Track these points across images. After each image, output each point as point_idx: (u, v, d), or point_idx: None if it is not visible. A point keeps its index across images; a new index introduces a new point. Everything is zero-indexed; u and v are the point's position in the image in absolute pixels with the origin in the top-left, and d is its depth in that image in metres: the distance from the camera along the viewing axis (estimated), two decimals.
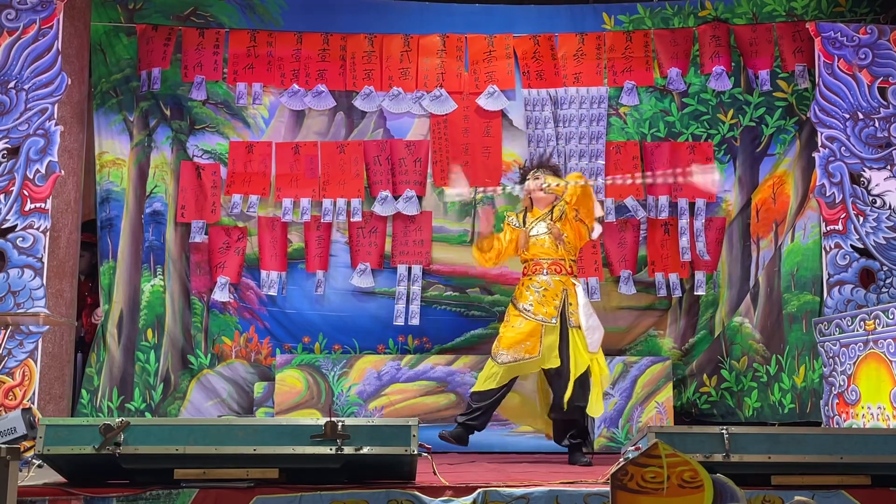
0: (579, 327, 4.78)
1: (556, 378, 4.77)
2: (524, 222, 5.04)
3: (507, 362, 4.76)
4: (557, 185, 4.92)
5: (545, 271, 4.88)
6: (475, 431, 4.93)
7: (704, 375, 6.08)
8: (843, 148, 5.65)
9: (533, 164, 5.30)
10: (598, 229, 5.11)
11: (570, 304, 4.83)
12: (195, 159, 6.16)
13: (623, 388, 5.81)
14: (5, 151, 5.21)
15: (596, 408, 4.84)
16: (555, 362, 4.72)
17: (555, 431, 4.93)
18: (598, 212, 5.11)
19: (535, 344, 4.73)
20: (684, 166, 6.18)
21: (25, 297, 5.07)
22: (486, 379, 4.83)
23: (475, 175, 6.19)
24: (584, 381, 4.76)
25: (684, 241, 6.14)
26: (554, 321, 4.77)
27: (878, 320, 4.95)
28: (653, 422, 5.76)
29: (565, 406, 4.71)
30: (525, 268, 5.01)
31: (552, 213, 4.98)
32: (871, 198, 5.60)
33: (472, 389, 4.95)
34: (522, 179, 5.20)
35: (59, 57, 5.32)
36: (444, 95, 6.24)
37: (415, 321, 6.08)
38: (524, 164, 5.62)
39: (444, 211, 6.25)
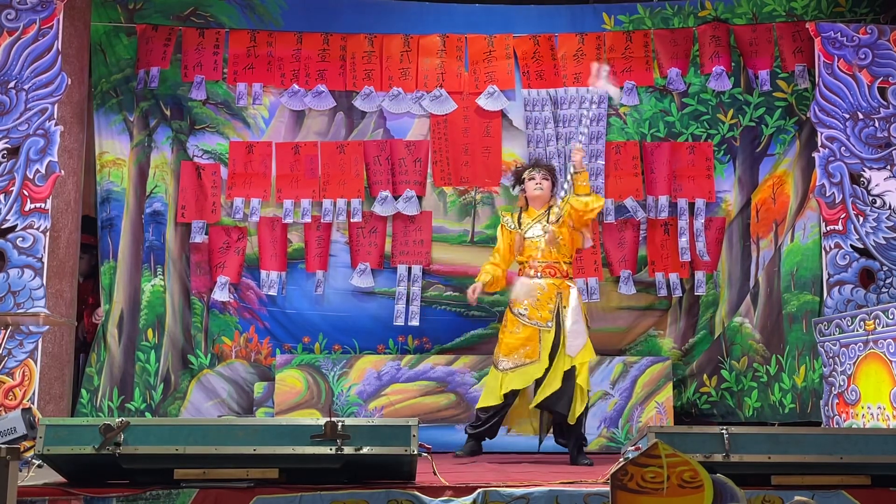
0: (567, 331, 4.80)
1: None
2: (519, 223, 5.03)
3: (507, 369, 4.78)
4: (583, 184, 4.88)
5: (539, 274, 4.88)
6: (486, 439, 4.97)
7: (704, 375, 6.08)
8: (843, 148, 5.65)
9: (526, 165, 5.30)
10: (589, 241, 5.13)
11: (565, 308, 4.83)
12: (195, 159, 6.16)
13: (623, 388, 5.81)
14: (5, 151, 5.21)
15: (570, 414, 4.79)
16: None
17: (544, 425, 4.97)
18: (588, 240, 5.10)
19: (534, 348, 4.75)
20: (684, 166, 6.19)
21: (25, 297, 5.07)
22: (489, 394, 4.86)
23: (475, 175, 6.19)
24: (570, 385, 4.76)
25: (684, 241, 6.14)
26: (550, 325, 4.78)
27: (878, 320, 4.95)
28: (653, 422, 5.76)
29: (567, 414, 4.74)
30: (520, 269, 5.02)
31: (548, 213, 4.97)
32: (870, 198, 5.60)
33: (478, 406, 4.98)
34: (517, 181, 5.20)
35: (59, 57, 5.32)
36: (444, 95, 6.24)
37: (415, 321, 6.08)
38: (517, 166, 5.59)
39: (444, 211, 6.25)
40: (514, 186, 5.26)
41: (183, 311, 6.10)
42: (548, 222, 4.93)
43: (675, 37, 6.29)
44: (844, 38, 5.72)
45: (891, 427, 4.73)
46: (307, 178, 6.15)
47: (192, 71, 6.15)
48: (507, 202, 6.21)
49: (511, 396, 4.85)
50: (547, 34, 6.30)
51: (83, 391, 5.82)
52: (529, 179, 5.04)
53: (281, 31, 6.26)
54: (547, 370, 4.75)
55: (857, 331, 5.13)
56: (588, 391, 4.88)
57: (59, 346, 5.22)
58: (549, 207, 5.00)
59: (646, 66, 6.25)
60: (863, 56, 5.69)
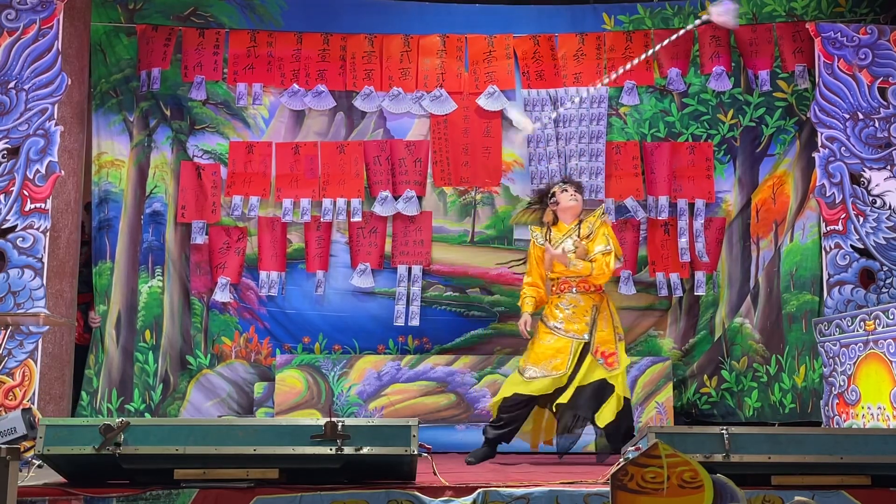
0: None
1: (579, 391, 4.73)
2: (548, 239, 4.98)
3: (533, 377, 4.75)
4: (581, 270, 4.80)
5: (574, 289, 4.86)
6: (503, 442, 4.89)
7: (705, 376, 6.08)
8: (843, 148, 5.65)
9: (550, 183, 5.30)
10: (617, 263, 5.01)
11: (601, 321, 4.81)
12: (195, 159, 6.16)
13: None
14: (5, 151, 5.21)
15: (603, 416, 4.78)
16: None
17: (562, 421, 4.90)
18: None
19: (563, 360, 4.73)
20: (684, 166, 6.19)
21: (25, 297, 5.07)
22: (510, 386, 4.80)
23: (475, 175, 6.19)
24: (600, 395, 4.75)
25: (684, 241, 6.14)
26: (585, 337, 4.76)
27: (878, 320, 4.95)
28: (653, 422, 5.76)
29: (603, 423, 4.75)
30: (553, 285, 4.97)
31: (579, 227, 4.95)
32: (871, 198, 5.60)
33: (497, 399, 4.86)
34: (541, 198, 5.13)
35: (59, 57, 5.31)
36: (444, 95, 6.24)
37: (415, 321, 6.07)
38: (541, 187, 5.53)
39: (444, 211, 6.24)
40: (538, 203, 5.16)
41: (182, 312, 6.10)
42: (578, 237, 4.91)
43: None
44: (844, 39, 5.72)
45: (891, 427, 4.73)
46: (307, 178, 6.15)
47: (193, 71, 6.15)
48: (507, 202, 6.22)
49: (530, 403, 4.79)
50: (547, 34, 6.30)
51: (83, 393, 5.82)
52: (562, 192, 5.01)
53: (281, 31, 6.26)
54: (571, 377, 4.72)
55: (858, 331, 5.13)
56: (626, 397, 4.82)
57: (59, 346, 5.22)
58: (580, 222, 4.99)
59: (646, 66, 6.25)
60: (863, 56, 5.69)
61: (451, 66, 6.27)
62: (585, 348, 4.77)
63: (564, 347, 4.75)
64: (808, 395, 5.84)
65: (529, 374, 4.76)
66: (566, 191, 5.01)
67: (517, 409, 4.79)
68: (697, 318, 6.21)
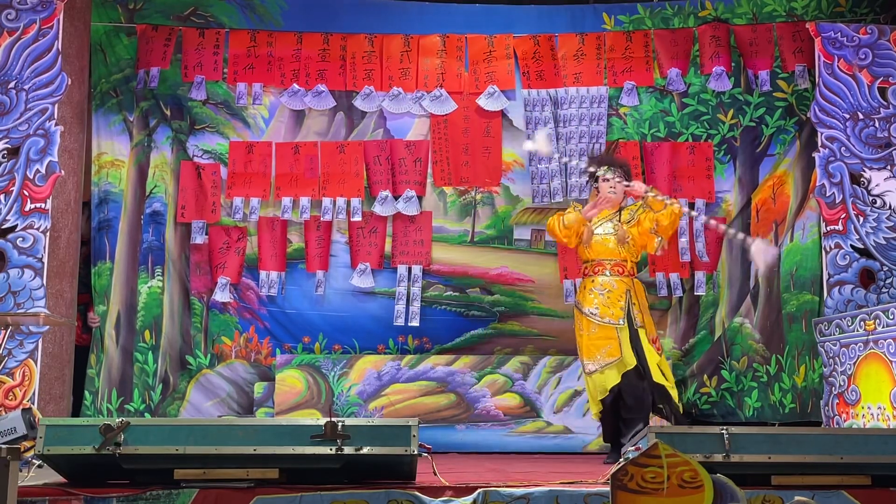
0: (643, 327, 4.81)
1: (634, 380, 4.73)
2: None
3: (593, 371, 4.77)
4: (657, 198, 4.82)
5: (608, 272, 4.86)
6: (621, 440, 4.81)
7: (705, 376, 6.08)
8: (843, 148, 5.65)
9: (598, 160, 5.13)
10: (661, 249, 5.02)
11: (634, 305, 4.82)
12: (195, 159, 6.16)
13: None
14: (5, 151, 5.21)
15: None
16: (632, 361, 4.72)
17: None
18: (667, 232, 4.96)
19: (615, 346, 4.73)
20: (684, 166, 6.19)
21: (25, 297, 5.06)
22: (593, 401, 4.84)
23: (475, 175, 6.20)
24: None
25: (683, 241, 6.14)
26: (622, 322, 4.77)
27: (878, 320, 4.95)
28: (653, 422, 5.76)
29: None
30: (586, 268, 4.96)
31: (620, 214, 4.94)
32: (871, 198, 5.60)
33: (594, 414, 4.91)
34: (591, 176, 5.08)
35: (59, 57, 5.31)
36: (444, 95, 6.24)
37: (415, 321, 6.08)
38: (592, 156, 5.48)
39: (444, 211, 6.25)
40: (587, 180, 5.16)
41: (182, 312, 6.10)
42: (619, 221, 4.91)
43: (676, 37, 6.28)
44: (844, 39, 5.71)
45: (891, 427, 4.73)
46: (307, 178, 6.15)
47: (193, 71, 6.15)
48: (507, 202, 6.23)
49: (611, 396, 4.77)
50: (547, 34, 6.30)
51: (86, 393, 5.82)
52: (604, 181, 4.96)
53: (281, 31, 6.26)
54: (640, 367, 4.72)
55: (858, 331, 5.13)
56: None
57: (59, 346, 5.22)
58: (622, 208, 4.97)
59: (646, 66, 6.25)
60: (863, 56, 5.69)
61: (451, 66, 6.27)
62: (633, 333, 4.76)
63: (610, 333, 4.76)
64: (808, 395, 5.84)
65: (589, 369, 4.79)
66: (608, 180, 4.93)
67: (613, 408, 4.80)
68: (697, 318, 6.21)
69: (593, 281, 4.87)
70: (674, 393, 4.86)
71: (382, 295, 6.17)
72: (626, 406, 4.76)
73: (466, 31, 6.32)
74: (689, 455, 2.70)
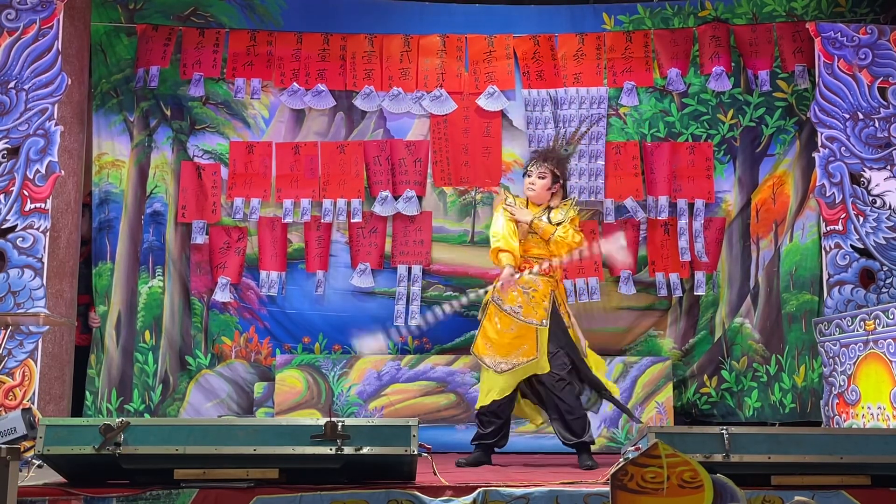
0: (571, 328, 4.72)
1: (555, 380, 4.62)
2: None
3: (506, 370, 4.60)
4: (544, 228, 4.68)
5: (534, 269, 4.67)
6: (496, 449, 4.76)
7: (705, 376, 6.08)
8: (843, 148, 5.65)
9: (538, 153, 5.02)
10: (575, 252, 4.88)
11: (560, 305, 4.72)
12: (195, 159, 6.16)
13: (623, 388, 5.81)
14: (5, 151, 5.21)
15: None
16: (546, 367, 4.59)
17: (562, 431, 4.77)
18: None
19: (531, 347, 4.58)
20: (684, 166, 6.19)
21: (25, 297, 5.07)
22: (488, 392, 4.66)
23: (475, 175, 6.20)
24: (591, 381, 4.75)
25: (683, 241, 6.13)
26: (545, 323, 4.61)
27: (878, 320, 4.95)
28: (653, 422, 5.76)
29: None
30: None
31: (549, 211, 4.78)
32: (871, 198, 5.60)
33: (478, 406, 4.76)
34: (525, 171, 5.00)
35: (59, 57, 5.31)
36: (444, 95, 6.24)
37: (415, 321, 6.08)
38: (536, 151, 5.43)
39: (444, 211, 6.25)
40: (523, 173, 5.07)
41: (182, 312, 6.10)
42: (548, 220, 4.72)
43: (675, 37, 6.28)
44: (844, 39, 5.72)
45: (891, 427, 4.73)
46: (307, 177, 6.15)
47: (191, 68, 6.14)
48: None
49: (512, 396, 4.68)
50: (547, 34, 6.30)
51: (87, 393, 5.82)
52: (525, 175, 4.87)
53: (281, 31, 6.26)
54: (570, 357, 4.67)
55: (858, 331, 5.13)
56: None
57: (59, 346, 5.22)
58: (549, 208, 4.81)
59: (646, 66, 6.25)
60: (863, 56, 5.69)
61: (451, 66, 6.27)
62: (557, 339, 4.64)
63: (529, 333, 4.59)
64: (808, 395, 5.84)
65: (501, 368, 4.59)
66: (529, 175, 4.83)
67: (503, 410, 4.68)
68: (697, 318, 6.21)
69: (518, 279, 4.66)
70: (610, 386, 4.85)
71: (382, 295, 6.17)
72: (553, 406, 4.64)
73: (466, 31, 6.31)
74: (689, 455, 2.70)
